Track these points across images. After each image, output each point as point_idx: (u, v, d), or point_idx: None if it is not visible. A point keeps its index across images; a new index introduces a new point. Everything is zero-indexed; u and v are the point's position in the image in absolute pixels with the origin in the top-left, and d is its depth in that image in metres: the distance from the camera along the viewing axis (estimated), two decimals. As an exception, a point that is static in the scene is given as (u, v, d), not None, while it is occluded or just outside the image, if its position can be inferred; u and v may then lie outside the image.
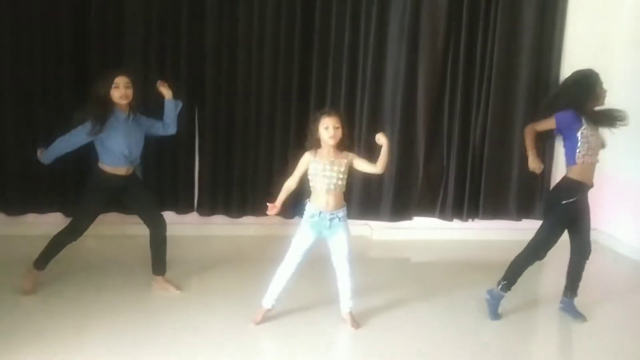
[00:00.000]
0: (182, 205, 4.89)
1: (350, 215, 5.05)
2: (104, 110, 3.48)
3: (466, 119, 5.01)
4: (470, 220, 5.20)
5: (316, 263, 3.46)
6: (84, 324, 3.30)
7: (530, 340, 3.59)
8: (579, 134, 3.40)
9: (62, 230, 3.72)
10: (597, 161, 3.47)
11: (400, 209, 5.08)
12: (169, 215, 4.81)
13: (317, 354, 3.16)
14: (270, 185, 4.89)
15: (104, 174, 3.60)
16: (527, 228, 5.29)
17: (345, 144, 3.31)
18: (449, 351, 3.24)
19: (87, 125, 3.49)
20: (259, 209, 4.94)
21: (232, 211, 4.95)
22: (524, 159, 4.99)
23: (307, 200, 3.34)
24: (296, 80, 4.79)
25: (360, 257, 4.70)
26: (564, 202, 3.44)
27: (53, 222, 4.72)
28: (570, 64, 5.09)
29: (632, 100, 5.06)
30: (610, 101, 4.96)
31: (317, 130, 3.22)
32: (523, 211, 5.20)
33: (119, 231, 4.60)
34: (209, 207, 4.92)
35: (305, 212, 3.33)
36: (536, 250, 3.56)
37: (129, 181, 3.69)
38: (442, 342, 3.34)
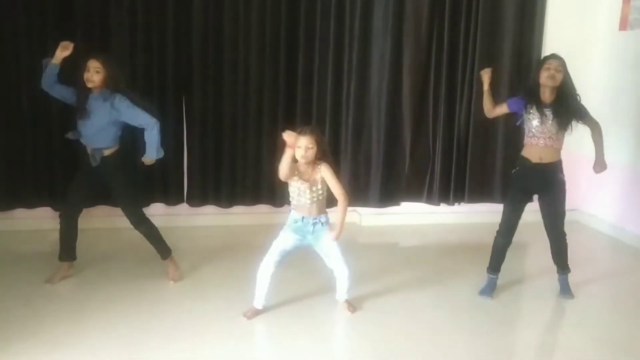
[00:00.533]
0: (172, 197, 4.91)
1: (339, 201, 5.13)
2: (79, 89, 3.59)
3: (451, 104, 5.09)
4: (456, 204, 5.31)
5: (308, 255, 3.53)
6: (83, 316, 3.34)
7: (520, 319, 3.70)
8: (523, 119, 3.65)
9: (61, 218, 3.80)
10: (544, 144, 3.60)
11: (388, 194, 5.16)
12: (159, 207, 4.87)
13: (314, 339, 3.22)
14: (260, 174, 4.96)
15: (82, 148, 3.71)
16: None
17: (319, 157, 3.27)
18: (443, 332, 3.33)
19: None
20: (248, 199, 5.00)
21: (222, 201, 4.99)
22: (508, 143, 5.11)
23: (291, 208, 3.39)
24: (283, 70, 4.82)
25: (350, 243, 4.76)
26: (513, 171, 3.79)
27: (42, 217, 4.75)
28: (551, 48, 5.20)
29: (612, 82, 5.19)
30: (591, 82, 5.08)
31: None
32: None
33: (111, 224, 4.60)
34: (198, 198, 4.95)
35: (289, 219, 3.39)
36: (501, 227, 3.79)
37: (103, 165, 3.65)
38: (435, 324, 3.42)
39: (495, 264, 3.84)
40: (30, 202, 4.70)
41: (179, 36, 4.63)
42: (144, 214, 3.88)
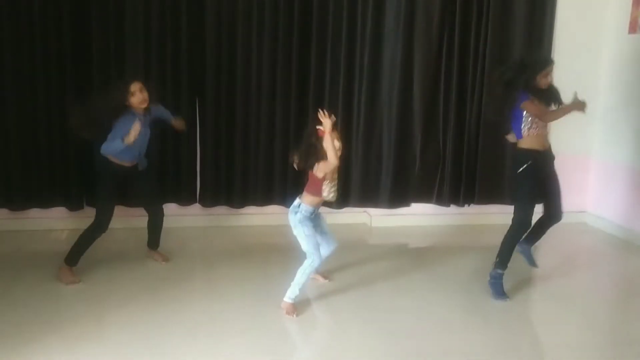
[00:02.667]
0: (185, 197, 4.97)
1: (349, 203, 5.21)
2: (116, 116, 3.69)
3: (461, 106, 5.13)
4: (466, 205, 5.33)
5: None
6: (101, 314, 3.40)
7: (532, 318, 3.74)
8: (523, 111, 3.66)
9: (89, 227, 3.87)
10: (545, 132, 3.76)
11: (398, 196, 5.19)
12: (171, 207, 4.93)
13: (328, 333, 3.27)
14: (271, 175, 5.01)
15: (110, 165, 3.78)
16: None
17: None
18: (455, 331, 3.38)
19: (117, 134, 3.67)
20: (260, 199, 5.05)
21: (234, 202, 5.04)
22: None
23: (302, 202, 3.50)
24: (295, 70, 4.87)
25: (360, 244, 4.87)
26: (519, 170, 3.72)
27: (56, 217, 4.81)
28: (560, 52, 5.24)
29: (621, 84, 5.23)
30: (600, 84, 5.10)
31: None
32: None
33: (126, 224, 4.66)
34: (211, 198, 5.00)
35: (304, 211, 3.48)
36: (519, 223, 3.79)
37: (134, 171, 3.92)
38: (447, 323, 3.47)
39: (507, 261, 3.82)
40: (45, 203, 4.76)
41: (192, 39, 4.69)
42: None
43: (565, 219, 5.51)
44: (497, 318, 3.55)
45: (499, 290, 3.78)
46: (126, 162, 3.82)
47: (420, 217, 5.33)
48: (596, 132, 5.42)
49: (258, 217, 5.12)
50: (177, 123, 4.20)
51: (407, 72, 4.99)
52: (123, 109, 3.69)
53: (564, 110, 3.73)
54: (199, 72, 4.76)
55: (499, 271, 3.80)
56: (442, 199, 5.26)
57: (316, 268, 3.55)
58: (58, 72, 4.53)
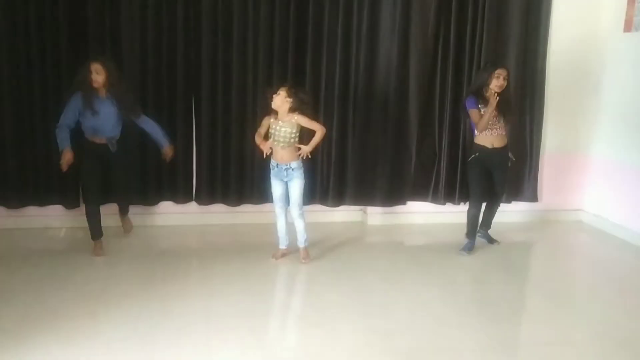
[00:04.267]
0: (181, 196, 4.98)
1: (346, 201, 5.21)
2: (85, 91, 4.08)
3: (457, 105, 5.13)
4: (462, 203, 5.34)
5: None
6: (96, 311, 3.41)
7: (527, 315, 3.76)
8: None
9: (85, 205, 4.31)
10: (497, 134, 4.41)
11: (394, 194, 5.21)
12: (168, 205, 4.94)
13: (322, 330, 3.28)
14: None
15: (86, 142, 4.21)
16: (517, 210, 5.48)
17: (294, 108, 3.99)
18: (450, 325, 3.40)
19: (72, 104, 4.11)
20: (257, 197, 5.06)
21: (230, 200, 5.05)
22: (512, 144, 5.19)
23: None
24: (291, 69, 4.88)
25: (356, 242, 4.88)
26: (469, 159, 4.56)
27: (53, 215, 4.82)
28: (555, 51, 5.26)
29: (618, 82, 5.24)
30: (597, 83, 5.12)
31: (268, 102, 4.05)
32: (512, 194, 5.36)
33: (118, 222, 4.69)
34: (207, 196, 5.02)
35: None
36: (472, 200, 4.60)
37: (108, 152, 4.23)
38: (442, 318, 3.48)
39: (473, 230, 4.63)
40: (42, 201, 4.77)
41: (188, 37, 4.71)
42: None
43: (562, 217, 5.58)
44: (491, 315, 3.57)
45: (468, 247, 4.57)
46: (94, 139, 4.18)
47: (416, 215, 5.35)
48: (594, 131, 5.44)
49: (254, 215, 5.13)
50: (167, 151, 4.44)
51: (403, 71, 5.01)
52: (85, 86, 4.04)
53: (485, 114, 4.31)
54: (195, 70, 4.77)
55: (467, 239, 4.60)
56: (438, 197, 5.28)
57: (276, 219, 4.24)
58: (53, 73, 4.55)
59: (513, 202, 5.37)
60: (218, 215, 5.09)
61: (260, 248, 4.49)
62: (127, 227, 4.69)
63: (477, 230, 4.68)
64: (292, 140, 4.02)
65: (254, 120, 4.90)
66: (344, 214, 5.28)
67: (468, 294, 3.85)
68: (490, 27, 5.05)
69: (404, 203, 5.30)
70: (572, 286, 4.14)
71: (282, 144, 4.02)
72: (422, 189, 5.27)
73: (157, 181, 4.84)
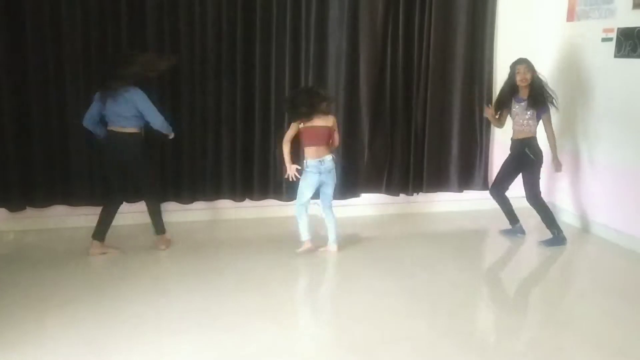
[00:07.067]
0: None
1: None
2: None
3: (408, 96, 5.18)
4: (415, 194, 5.41)
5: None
6: (43, 316, 3.31)
7: (474, 304, 3.83)
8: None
9: (106, 202, 4.21)
10: (516, 128, 4.66)
11: (348, 186, 5.21)
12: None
13: (278, 324, 3.27)
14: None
15: (109, 132, 4.11)
16: (468, 199, 5.57)
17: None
18: (401, 316, 3.41)
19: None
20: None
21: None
22: (462, 133, 5.25)
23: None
24: (240, 64, 4.82)
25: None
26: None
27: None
28: (503, 40, 5.35)
29: (561, 74, 5.33)
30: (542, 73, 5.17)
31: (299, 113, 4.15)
32: (464, 183, 5.45)
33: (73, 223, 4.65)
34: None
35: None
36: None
37: (127, 141, 4.08)
38: (395, 309, 3.50)
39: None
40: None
41: (133, 29, 4.57)
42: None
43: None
44: (444, 304, 3.62)
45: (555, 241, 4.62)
46: (116, 128, 4.07)
47: (370, 206, 5.38)
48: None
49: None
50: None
51: (353, 63, 5.01)
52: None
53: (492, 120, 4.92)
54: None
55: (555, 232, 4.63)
56: (392, 189, 5.31)
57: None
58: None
59: (465, 191, 5.46)
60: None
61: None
62: (160, 243, 4.38)
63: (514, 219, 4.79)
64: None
65: (205, 116, 4.84)
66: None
67: (420, 284, 3.87)
68: (438, 18, 5.10)
69: (357, 195, 5.31)
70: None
71: (323, 141, 4.15)
72: (376, 181, 5.28)
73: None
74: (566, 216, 5.23)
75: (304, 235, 4.30)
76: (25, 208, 4.64)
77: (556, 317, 3.51)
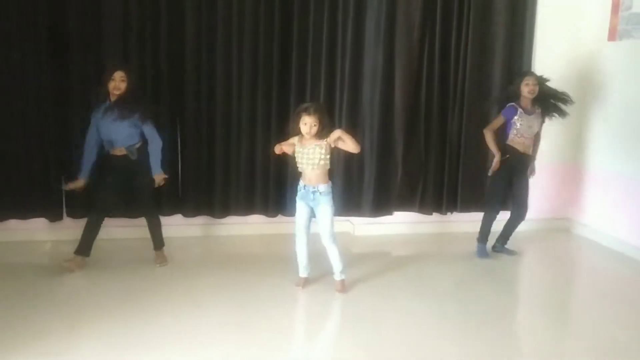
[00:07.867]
0: (166, 207, 4.93)
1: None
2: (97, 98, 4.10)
3: (443, 114, 5.14)
4: (449, 213, 5.34)
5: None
6: (77, 326, 3.35)
7: (510, 328, 3.73)
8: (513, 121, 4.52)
9: (90, 215, 4.16)
10: (525, 141, 4.59)
11: (381, 204, 5.18)
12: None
13: (308, 342, 3.24)
14: (253, 185, 4.99)
15: (108, 157, 4.17)
16: (504, 219, 5.46)
17: (326, 133, 3.68)
18: (436, 336, 3.37)
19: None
20: (241, 209, 5.02)
21: (215, 212, 5.01)
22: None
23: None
24: (276, 80, 4.86)
25: (344, 253, 4.77)
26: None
27: (36, 228, 4.76)
28: (541, 59, 5.27)
29: (602, 92, 5.24)
30: (581, 92, 5.10)
31: (297, 125, 3.68)
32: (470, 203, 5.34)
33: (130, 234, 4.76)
34: (192, 208, 4.97)
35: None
36: (489, 204, 4.77)
37: (129, 164, 4.11)
38: (426, 331, 3.45)
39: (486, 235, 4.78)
40: (24, 214, 4.70)
41: (171, 52, 4.66)
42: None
43: (552, 226, 5.55)
44: (476, 327, 3.54)
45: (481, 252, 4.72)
46: (114, 152, 4.11)
47: (403, 225, 5.32)
48: (582, 140, 5.42)
49: (240, 226, 5.10)
50: (158, 178, 4.21)
51: (389, 79, 5.00)
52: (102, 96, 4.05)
53: (495, 149, 4.66)
54: (179, 85, 4.73)
55: (479, 244, 4.74)
56: (425, 207, 5.26)
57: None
58: (35, 88, 4.49)
59: (500, 212, 5.35)
60: (204, 227, 5.06)
61: (245, 260, 4.43)
62: (159, 259, 4.38)
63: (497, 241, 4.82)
64: (321, 162, 3.69)
65: (238, 132, 4.89)
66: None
67: (454, 305, 3.81)
68: (475, 35, 5.06)
69: (390, 213, 5.26)
70: (563, 297, 4.10)
71: (311, 166, 3.70)
72: (409, 199, 5.24)
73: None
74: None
75: (300, 269, 3.98)
76: (62, 218, 4.74)
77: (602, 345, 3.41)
